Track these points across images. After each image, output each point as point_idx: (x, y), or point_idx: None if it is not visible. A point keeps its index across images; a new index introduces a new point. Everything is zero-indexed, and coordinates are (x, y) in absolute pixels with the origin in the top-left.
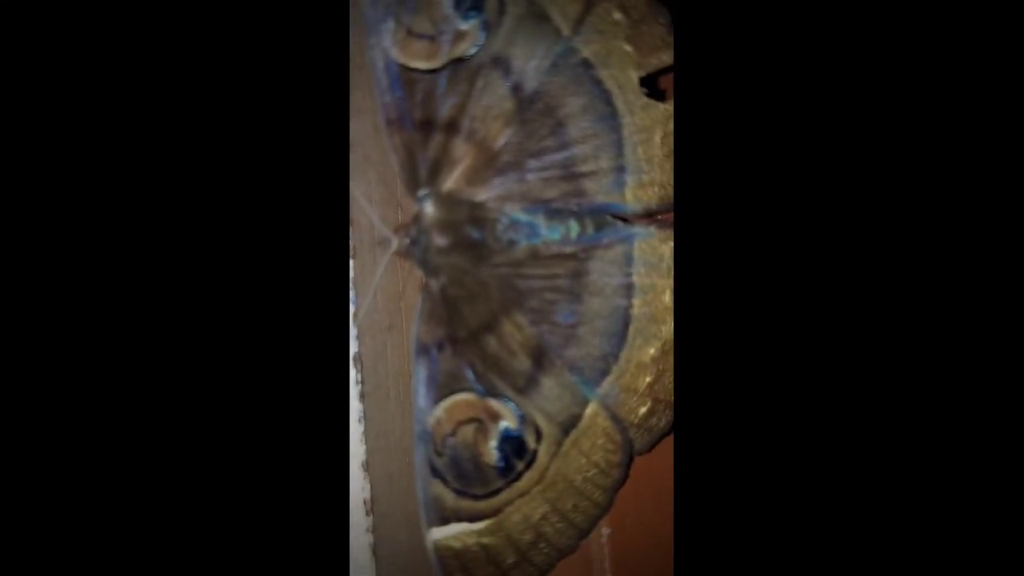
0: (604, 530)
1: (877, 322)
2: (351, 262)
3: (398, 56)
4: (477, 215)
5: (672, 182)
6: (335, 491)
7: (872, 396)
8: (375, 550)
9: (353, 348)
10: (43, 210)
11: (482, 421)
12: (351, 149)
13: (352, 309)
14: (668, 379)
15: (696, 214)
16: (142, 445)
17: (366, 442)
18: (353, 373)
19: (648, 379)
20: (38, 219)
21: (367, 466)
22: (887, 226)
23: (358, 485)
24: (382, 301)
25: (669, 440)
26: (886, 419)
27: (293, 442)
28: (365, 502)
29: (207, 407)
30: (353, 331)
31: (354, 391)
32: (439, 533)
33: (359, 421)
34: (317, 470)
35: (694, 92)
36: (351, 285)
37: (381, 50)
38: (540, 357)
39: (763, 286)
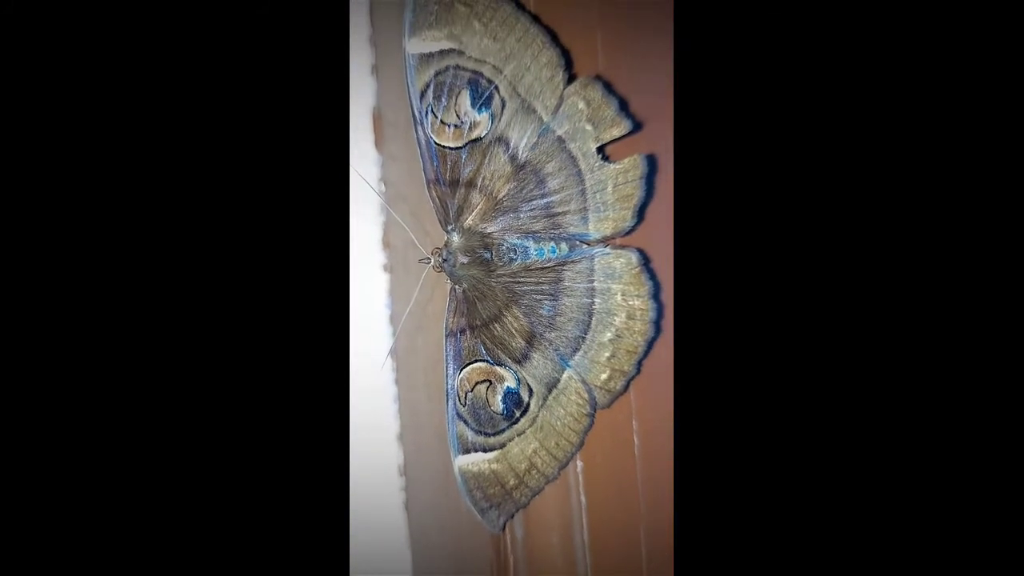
0: (579, 463)
1: (875, 321)
2: (388, 276)
3: (435, 138)
4: (487, 241)
5: (622, 217)
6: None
7: (869, 394)
8: (407, 506)
9: (390, 343)
10: (61, 215)
11: (492, 382)
12: (388, 186)
13: (387, 313)
14: (622, 354)
15: (695, 219)
16: (168, 424)
17: (400, 418)
18: (390, 362)
19: (607, 354)
20: (44, 221)
21: (401, 438)
22: (884, 225)
23: (393, 453)
24: (416, 307)
25: (625, 398)
26: (884, 429)
27: (299, 422)
28: (399, 467)
29: (226, 394)
30: (390, 330)
31: (390, 377)
32: (462, 460)
33: (393, 401)
34: (320, 443)
35: (693, 93)
36: (387, 294)
37: (424, 135)
38: (531, 339)
39: (759, 281)
